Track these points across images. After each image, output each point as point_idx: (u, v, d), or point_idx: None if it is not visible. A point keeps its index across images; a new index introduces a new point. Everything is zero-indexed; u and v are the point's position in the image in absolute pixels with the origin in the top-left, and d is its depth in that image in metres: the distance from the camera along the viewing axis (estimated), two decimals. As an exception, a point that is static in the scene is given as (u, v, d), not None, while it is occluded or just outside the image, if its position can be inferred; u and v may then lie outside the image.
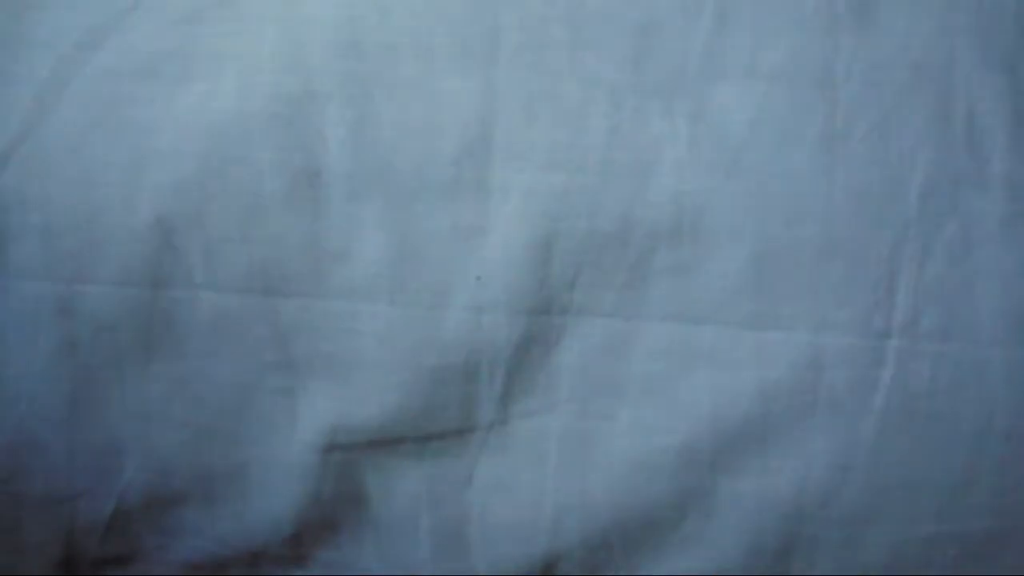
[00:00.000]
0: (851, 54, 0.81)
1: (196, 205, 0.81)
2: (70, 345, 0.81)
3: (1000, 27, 0.82)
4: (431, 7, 0.83)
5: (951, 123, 0.79)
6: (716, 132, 0.80)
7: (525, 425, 0.81)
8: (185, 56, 0.82)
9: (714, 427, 0.78)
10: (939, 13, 0.82)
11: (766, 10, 0.83)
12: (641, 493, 0.79)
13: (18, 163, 0.82)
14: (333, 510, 0.82)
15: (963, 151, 0.79)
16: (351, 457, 0.81)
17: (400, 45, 0.82)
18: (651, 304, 0.80)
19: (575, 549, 0.80)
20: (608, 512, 0.80)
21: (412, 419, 0.81)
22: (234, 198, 0.81)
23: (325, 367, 0.81)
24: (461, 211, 0.80)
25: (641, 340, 0.80)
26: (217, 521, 0.83)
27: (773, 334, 0.78)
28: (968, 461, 0.77)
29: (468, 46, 0.82)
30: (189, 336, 0.81)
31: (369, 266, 0.80)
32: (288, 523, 0.82)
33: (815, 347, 0.78)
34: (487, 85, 0.81)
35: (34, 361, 0.82)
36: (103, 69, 0.82)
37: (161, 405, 0.82)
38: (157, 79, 0.82)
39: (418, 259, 0.80)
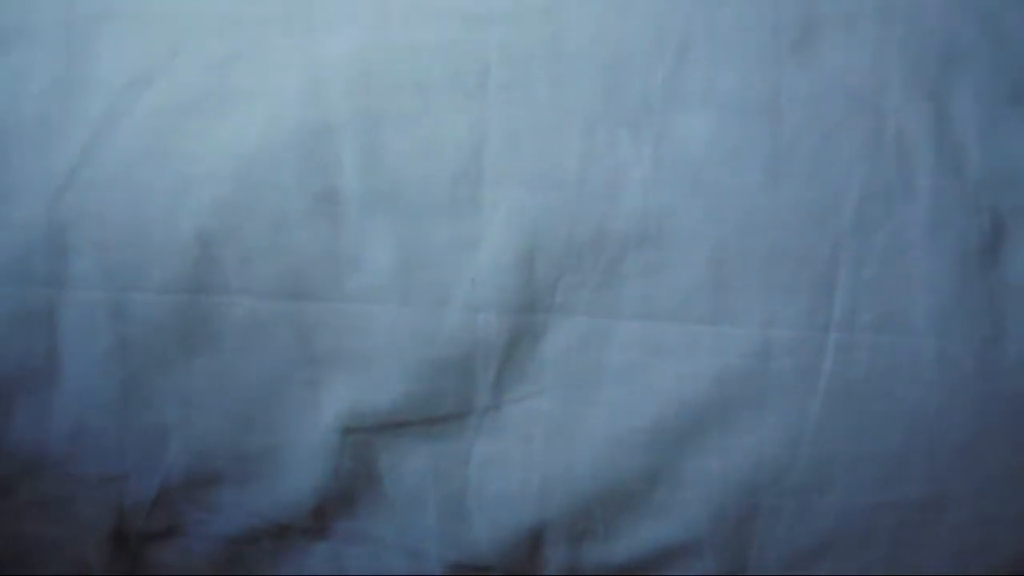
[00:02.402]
0: (794, 84, 0.86)
1: (231, 222, 0.86)
2: (122, 345, 0.87)
3: (926, 59, 0.86)
4: (430, 49, 0.88)
5: (882, 144, 0.84)
6: (676, 154, 0.85)
7: (515, 409, 0.86)
8: (221, 94, 0.87)
9: (679, 410, 0.84)
10: (872, 47, 0.86)
11: (720, 45, 0.87)
12: (617, 468, 0.85)
13: (77, 187, 0.87)
14: (351, 485, 0.88)
15: (893, 168, 0.84)
16: (366, 439, 0.87)
17: (404, 82, 0.87)
18: (623, 303, 0.85)
19: (560, 517, 0.85)
20: (589, 485, 0.85)
21: (418, 405, 0.86)
22: (264, 215, 0.86)
23: (343, 361, 0.86)
24: (457, 225, 0.86)
25: (615, 334, 0.85)
26: (250, 497, 0.89)
27: (728, 328, 0.84)
28: (903, 438, 0.83)
29: (461, 82, 0.87)
30: (225, 335, 0.87)
31: (380, 273, 0.86)
32: (312, 497, 0.88)
33: (765, 339, 0.83)
34: (478, 116, 0.86)
35: (90, 359, 0.88)
36: (151, 106, 0.88)
37: (201, 396, 0.88)
38: (197, 114, 0.87)
39: (421, 266, 0.86)
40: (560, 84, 0.86)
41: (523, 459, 0.87)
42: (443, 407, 0.87)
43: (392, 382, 0.86)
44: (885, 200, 0.84)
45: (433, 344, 0.86)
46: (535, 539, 0.87)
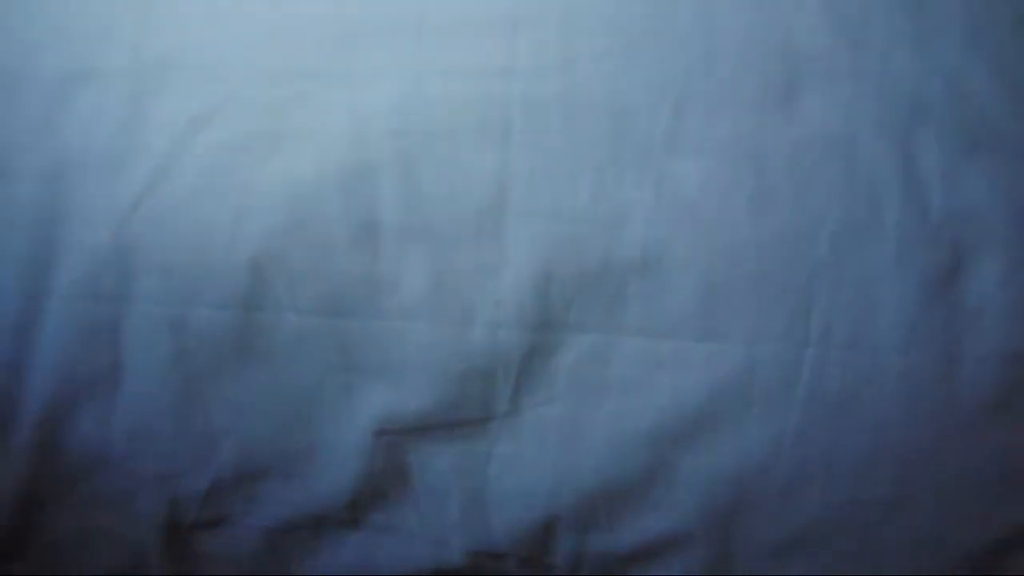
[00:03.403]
0: (777, 133, 0.91)
1: (281, 248, 0.93)
2: (179, 355, 0.94)
3: (894, 112, 0.91)
4: (460, 100, 0.93)
5: (855, 185, 0.90)
6: (673, 194, 0.91)
7: (531, 415, 0.92)
8: (273, 135, 0.94)
9: (674, 416, 0.90)
10: (846, 101, 0.91)
11: (714, 99, 0.92)
12: (620, 467, 0.90)
13: (143, 215, 0.94)
14: (382, 482, 0.93)
15: (864, 207, 0.90)
16: (397, 440, 0.93)
17: (437, 129, 0.93)
18: (626, 322, 0.91)
19: (569, 510, 0.91)
20: (594, 482, 0.91)
21: (444, 410, 0.92)
22: (310, 243, 0.93)
23: (378, 371, 0.92)
24: (483, 253, 0.92)
25: (619, 350, 0.91)
26: (292, 491, 0.94)
27: (718, 345, 0.90)
28: (871, 443, 0.88)
29: (487, 130, 0.93)
30: (273, 348, 0.93)
31: (413, 294, 0.92)
32: (347, 492, 0.93)
33: (750, 355, 0.89)
34: (501, 159, 0.92)
35: (150, 367, 0.94)
36: (209, 144, 0.94)
37: (250, 401, 0.94)
38: (251, 152, 0.94)
39: (450, 289, 0.92)
40: (573, 132, 0.92)
41: (537, 459, 0.92)
42: (467, 412, 0.92)
43: (422, 390, 0.92)
44: (856, 234, 0.90)
45: (459, 357, 0.92)
46: (547, 530, 0.91)
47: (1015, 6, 0.93)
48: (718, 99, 0.92)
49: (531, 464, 0.92)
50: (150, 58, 0.96)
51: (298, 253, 0.93)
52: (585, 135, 0.92)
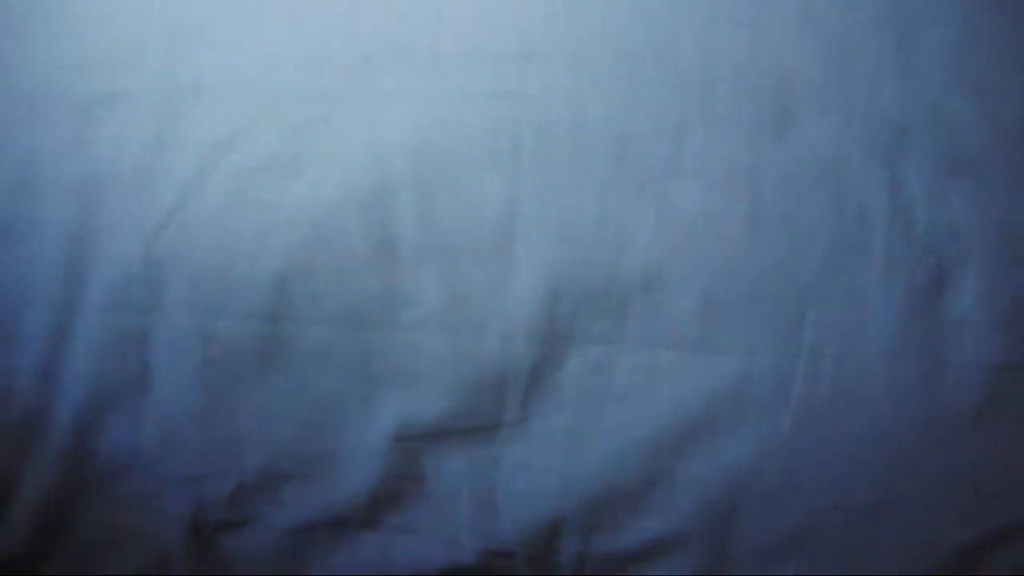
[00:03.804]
0: (771, 157, 0.94)
1: (304, 263, 0.96)
2: (207, 364, 0.98)
3: (881, 138, 0.94)
4: (473, 124, 0.96)
5: (844, 207, 0.93)
6: (673, 215, 0.94)
7: (538, 422, 0.95)
8: (296, 156, 0.97)
9: (674, 424, 0.93)
10: (836, 127, 0.94)
11: (711, 125, 0.95)
12: (621, 472, 0.94)
13: (172, 230, 0.98)
14: (398, 484, 0.97)
15: (853, 227, 0.92)
16: (412, 445, 0.96)
17: (451, 152, 0.96)
18: (628, 336, 0.94)
19: (574, 512, 0.94)
20: (598, 486, 0.94)
21: (457, 418, 0.96)
22: (332, 258, 0.96)
23: (395, 380, 0.96)
24: (494, 270, 0.95)
25: (621, 361, 0.94)
26: (313, 494, 0.98)
27: (715, 356, 0.93)
28: (859, 449, 0.91)
29: (499, 152, 0.96)
30: (296, 357, 0.97)
31: (429, 308, 0.95)
32: (365, 494, 0.97)
33: (745, 366, 0.92)
34: (512, 181, 0.95)
35: (179, 375, 0.98)
36: (235, 164, 0.98)
37: (274, 407, 0.97)
38: (276, 172, 0.97)
39: (464, 304, 0.95)
40: (579, 155, 0.96)
41: (544, 464, 0.95)
42: (478, 420, 0.96)
43: (436, 399, 0.96)
44: (846, 253, 0.93)
45: (471, 367, 0.95)
46: (553, 531, 0.95)
47: (995, 39, 0.95)
48: (716, 126, 0.95)
49: (538, 469, 0.95)
50: (178, 82, 1.00)
51: (320, 268, 0.96)
52: (591, 159, 0.96)
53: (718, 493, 0.93)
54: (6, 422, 1.01)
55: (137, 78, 1.01)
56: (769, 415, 0.93)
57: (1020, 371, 0.92)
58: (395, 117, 0.97)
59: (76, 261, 1.00)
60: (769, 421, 0.93)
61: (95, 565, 1.00)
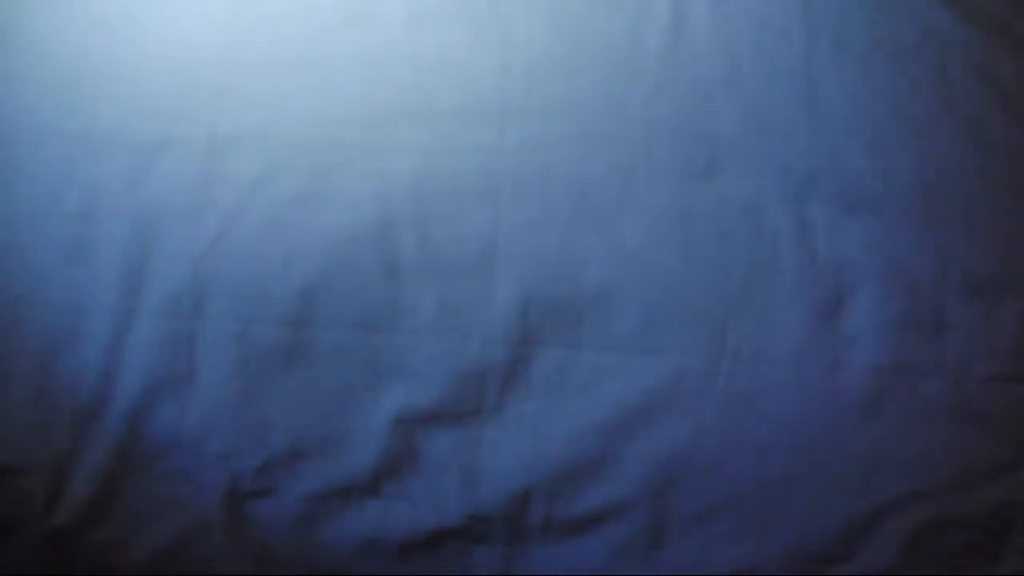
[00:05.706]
0: (701, 198, 1.04)
1: (325, 280, 1.07)
2: (243, 361, 1.08)
3: (792, 180, 1.03)
4: (463, 171, 1.06)
5: (761, 238, 1.03)
6: (622, 246, 1.04)
7: (512, 410, 1.05)
8: (319, 194, 1.08)
9: (621, 412, 1.04)
10: (756, 174, 1.03)
11: (654, 171, 1.04)
12: (579, 450, 1.04)
13: (215, 254, 1.09)
14: (398, 460, 1.06)
15: (768, 255, 1.03)
16: (409, 428, 1.06)
17: (445, 192, 1.07)
18: (585, 340, 1.05)
19: (541, 483, 1.04)
20: (560, 462, 1.04)
21: (447, 405, 1.06)
22: (347, 278, 1.07)
23: (396, 374, 1.06)
24: (478, 287, 1.05)
25: (579, 361, 1.05)
26: (327, 467, 1.07)
27: (654, 358, 1.04)
28: (771, 434, 1.01)
29: (482, 194, 1.06)
30: (316, 356, 1.07)
31: (425, 316, 1.06)
32: (369, 468, 1.06)
33: (680, 365, 1.03)
34: (493, 216, 1.06)
35: (219, 371, 1.08)
36: (269, 199, 1.08)
37: (296, 397, 1.07)
38: (303, 207, 1.08)
39: (453, 313, 1.06)
40: (548, 196, 1.07)
41: (517, 443, 1.05)
42: (464, 406, 1.06)
43: (430, 389, 1.06)
44: (761, 276, 1.04)
45: (459, 364, 1.06)
46: (524, 498, 1.05)
47: (890, 101, 1.05)
48: (657, 173, 1.06)
49: (512, 447, 1.05)
50: (221, 131, 1.10)
51: (338, 284, 1.06)
52: (556, 200, 1.07)
53: (657, 468, 1.03)
54: (71, 409, 1.09)
55: (186, 126, 1.10)
56: (699, 405, 1.03)
57: (903, 372, 1.01)
58: (399, 164, 1.08)
59: (133, 277, 1.08)
60: (699, 410, 1.03)
61: (144, 529, 1.08)
